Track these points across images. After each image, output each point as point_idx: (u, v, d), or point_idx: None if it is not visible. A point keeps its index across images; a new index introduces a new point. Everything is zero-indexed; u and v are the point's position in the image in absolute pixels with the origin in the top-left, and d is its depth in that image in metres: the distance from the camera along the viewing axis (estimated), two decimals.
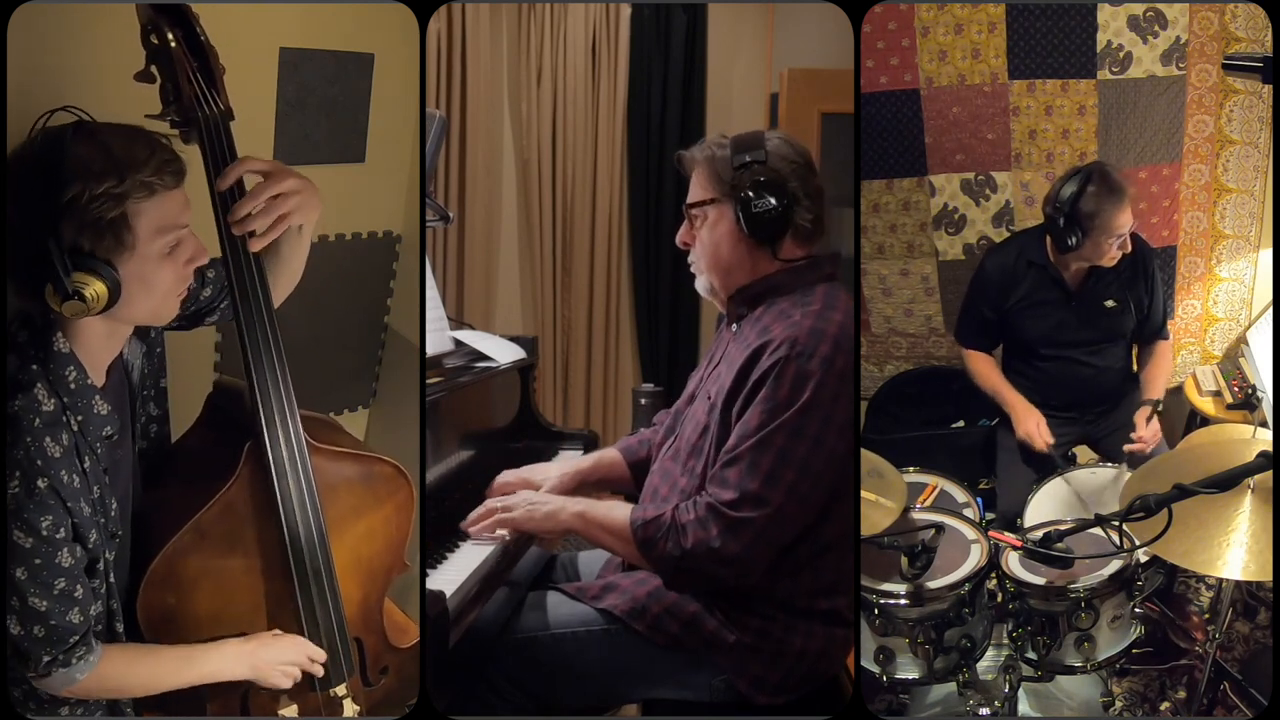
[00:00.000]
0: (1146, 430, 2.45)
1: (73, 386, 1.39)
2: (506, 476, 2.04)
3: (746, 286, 1.75)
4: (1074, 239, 2.40)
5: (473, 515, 1.85)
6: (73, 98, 1.76)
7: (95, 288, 1.34)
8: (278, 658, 1.57)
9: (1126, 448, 2.44)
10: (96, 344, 1.44)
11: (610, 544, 1.74)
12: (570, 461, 2.10)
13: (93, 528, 1.40)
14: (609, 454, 2.09)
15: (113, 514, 1.45)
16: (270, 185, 1.53)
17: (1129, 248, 2.45)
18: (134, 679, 1.48)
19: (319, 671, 1.63)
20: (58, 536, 1.34)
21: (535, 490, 1.95)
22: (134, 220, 1.36)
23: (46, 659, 1.37)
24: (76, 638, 1.38)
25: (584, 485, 2.03)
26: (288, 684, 1.59)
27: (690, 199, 1.77)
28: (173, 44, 1.46)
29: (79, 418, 1.39)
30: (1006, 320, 2.60)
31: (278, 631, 1.59)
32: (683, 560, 1.61)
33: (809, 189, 1.72)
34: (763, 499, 1.58)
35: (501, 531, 1.83)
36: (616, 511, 1.70)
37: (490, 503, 1.84)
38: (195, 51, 1.48)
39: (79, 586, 1.38)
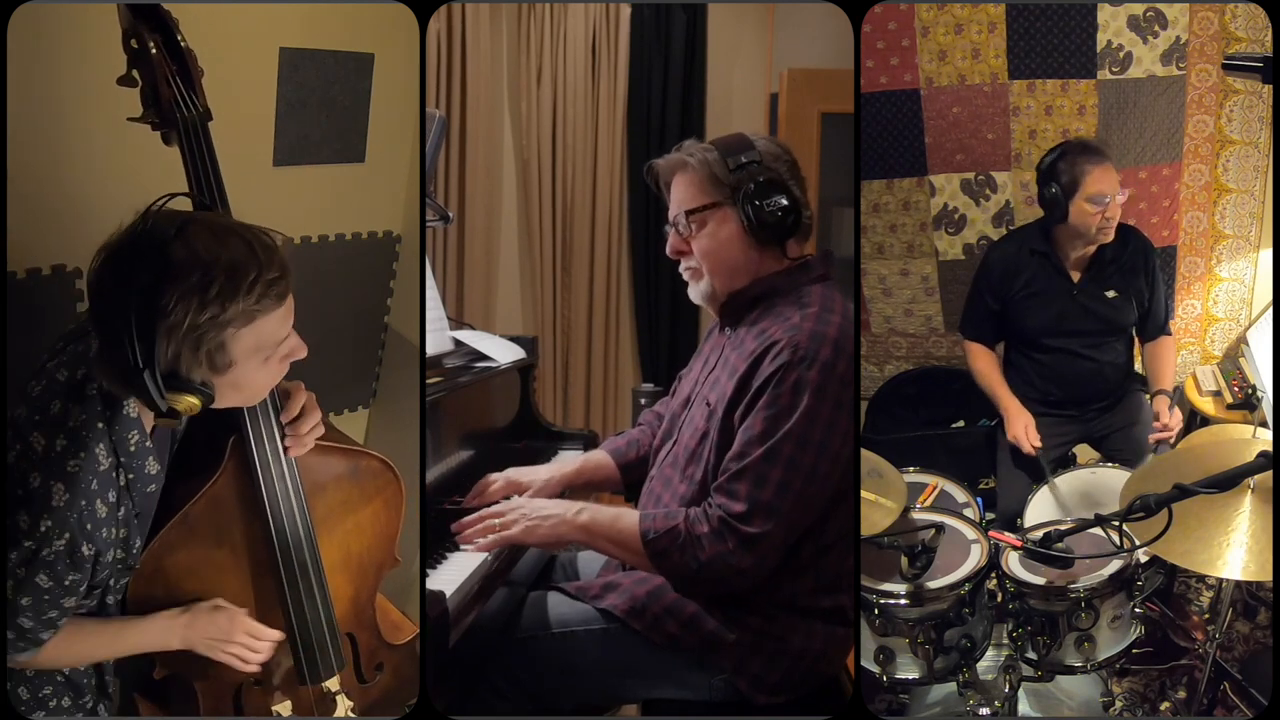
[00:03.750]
0: (1171, 418, 2.49)
1: (132, 449, 1.39)
2: (491, 481, 1.97)
3: (743, 290, 1.73)
4: (1055, 194, 2.43)
5: (466, 525, 1.76)
6: (70, 100, 1.76)
7: (187, 402, 1.32)
8: (208, 633, 1.55)
9: (1152, 437, 2.48)
10: None
11: (618, 554, 1.72)
12: (556, 466, 2.05)
13: (109, 570, 1.41)
14: (595, 457, 2.07)
15: (135, 550, 1.46)
16: (315, 410, 1.58)
17: (1116, 214, 2.45)
18: (69, 655, 1.48)
19: (255, 657, 1.59)
20: (73, 585, 1.36)
21: (523, 493, 1.90)
22: (231, 344, 1.32)
23: (9, 651, 1.39)
24: (39, 645, 1.40)
25: (570, 490, 2.00)
26: (235, 663, 1.57)
27: (686, 206, 1.72)
28: (152, 49, 1.48)
29: (130, 475, 1.40)
30: (1009, 309, 2.60)
31: (219, 602, 1.57)
32: (700, 572, 1.60)
33: (802, 187, 1.72)
34: (774, 509, 1.57)
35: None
36: (623, 521, 1.68)
37: (486, 515, 1.75)
38: (174, 55, 1.50)
39: (65, 616, 1.40)
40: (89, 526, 1.33)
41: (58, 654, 1.45)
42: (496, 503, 1.84)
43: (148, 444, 1.42)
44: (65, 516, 1.31)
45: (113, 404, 1.37)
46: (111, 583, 1.45)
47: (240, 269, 1.28)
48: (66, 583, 1.34)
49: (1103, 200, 2.41)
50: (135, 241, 1.27)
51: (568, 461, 2.07)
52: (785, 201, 1.67)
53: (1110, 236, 2.48)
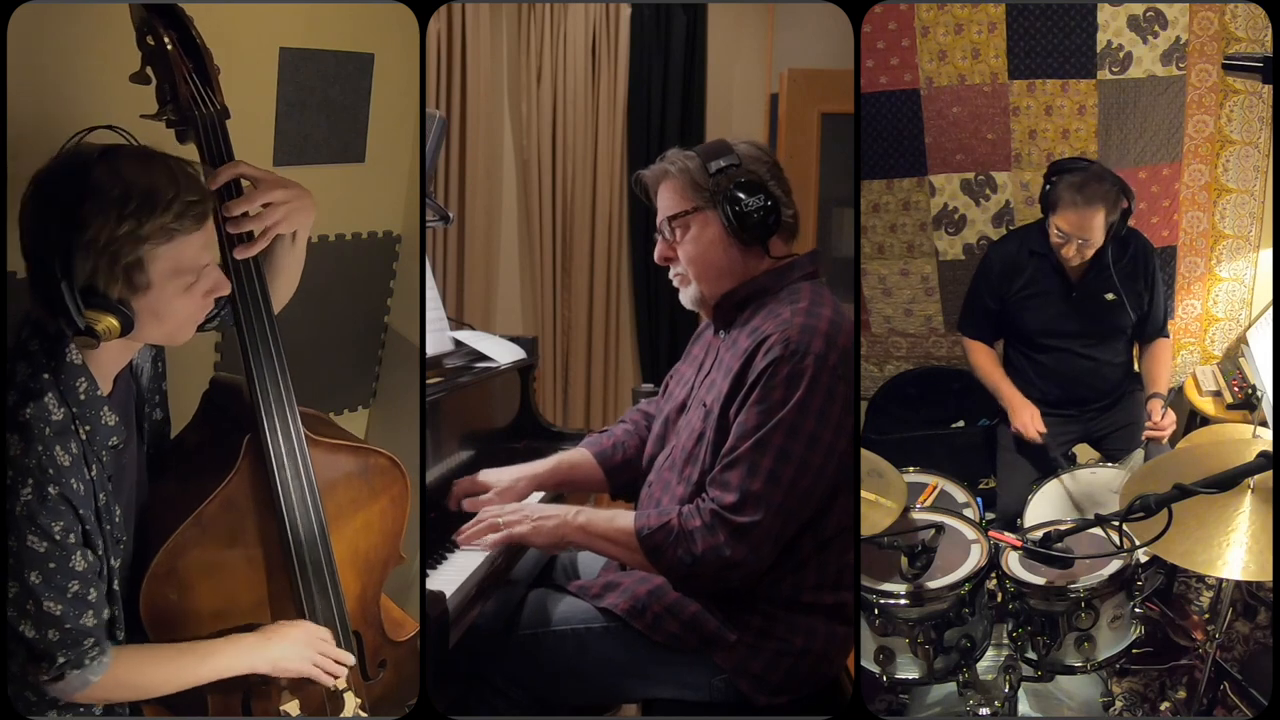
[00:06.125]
0: (1164, 418, 2.49)
1: (82, 397, 1.39)
2: (467, 483, 1.95)
3: (731, 292, 1.75)
4: (1042, 199, 2.48)
5: (469, 529, 1.78)
6: (73, 99, 1.76)
7: (107, 323, 1.34)
8: (290, 650, 1.56)
9: (1145, 434, 2.49)
10: (109, 357, 1.44)
11: (615, 554, 1.72)
12: (527, 466, 2.00)
13: (99, 535, 1.40)
14: (570, 456, 2.04)
15: (117, 520, 1.45)
16: (260, 194, 1.52)
17: (1072, 254, 2.44)
18: (148, 679, 1.47)
19: (339, 675, 1.61)
20: (70, 541, 1.35)
21: (483, 493, 1.89)
22: (150, 264, 1.35)
23: (61, 661, 1.37)
24: (91, 640, 1.38)
25: (543, 490, 1.99)
26: (323, 678, 1.59)
27: (668, 212, 1.75)
28: (168, 45, 1.47)
29: (87, 428, 1.39)
30: (1008, 310, 2.61)
31: (284, 622, 1.58)
32: (694, 566, 1.61)
33: (784, 187, 1.74)
34: (764, 499, 1.58)
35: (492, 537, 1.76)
36: (619, 521, 1.69)
37: (489, 515, 1.77)
38: (191, 52, 1.49)
39: (92, 590, 1.38)
40: (51, 471, 1.32)
41: (132, 681, 1.43)
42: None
43: (99, 392, 1.41)
44: (24, 464, 1.31)
45: (56, 354, 1.37)
46: (112, 562, 1.44)
47: (159, 188, 1.33)
48: (57, 536, 1.33)
49: (1063, 234, 2.42)
50: (61, 165, 1.32)
51: (540, 461, 2.02)
52: (765, 201, 1.68)
53: (1073, 264, 2.48)
